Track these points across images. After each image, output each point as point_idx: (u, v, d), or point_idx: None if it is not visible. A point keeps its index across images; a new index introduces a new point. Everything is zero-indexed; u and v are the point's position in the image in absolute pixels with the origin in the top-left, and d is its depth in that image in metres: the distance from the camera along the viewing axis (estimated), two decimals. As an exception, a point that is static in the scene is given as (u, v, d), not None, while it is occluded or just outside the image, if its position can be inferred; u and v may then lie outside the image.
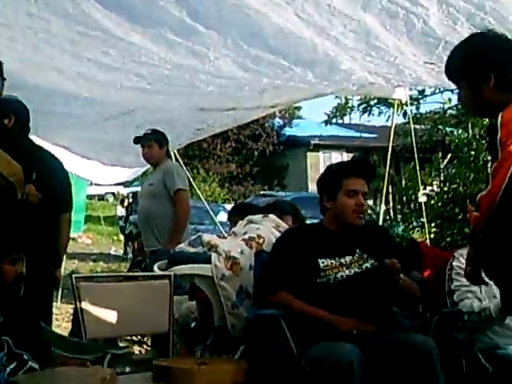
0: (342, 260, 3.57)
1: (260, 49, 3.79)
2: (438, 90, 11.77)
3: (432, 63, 3.69)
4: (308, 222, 5.17)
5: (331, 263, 3.55)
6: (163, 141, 6.10)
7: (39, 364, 3.01)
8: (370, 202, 15.82)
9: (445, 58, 3.61)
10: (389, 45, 3.55)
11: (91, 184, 16.28)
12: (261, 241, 4.08)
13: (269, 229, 4.21)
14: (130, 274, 5.99)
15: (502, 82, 2.55)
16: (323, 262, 3.54)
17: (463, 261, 3.72)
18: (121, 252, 17.17)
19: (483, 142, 7.77)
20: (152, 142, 6.08)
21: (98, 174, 10.34)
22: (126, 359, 4.80)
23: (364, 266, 3.57)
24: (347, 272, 3.54)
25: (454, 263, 3.78)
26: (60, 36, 3.78)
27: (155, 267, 4.39)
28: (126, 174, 10.62)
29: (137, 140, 6.11)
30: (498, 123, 2.45)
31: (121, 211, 20.05)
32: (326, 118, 14.37)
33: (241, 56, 3.90)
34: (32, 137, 4.79)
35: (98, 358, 3.82)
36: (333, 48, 3.65)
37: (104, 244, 19.92)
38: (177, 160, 8.87)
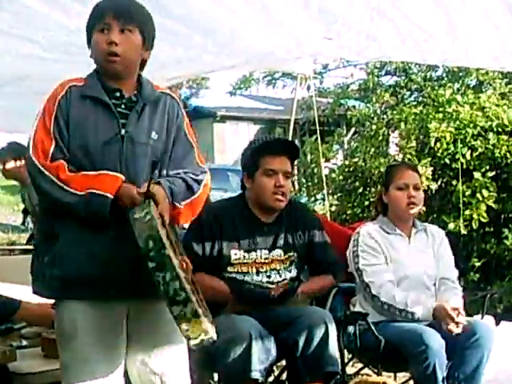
0: (259, 255, 3.50)
1: (161, 16, 3.72)
2: (341, 65, 11.98)
3: (330, 38, 3.71)
4: (213, 192, 5.12)
5: (244, 256, 3.47)
6: (22, 154, 5.85)
7: None
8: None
9: (343, 34, 3.68)
10: (287, 19, 3.54)
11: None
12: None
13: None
14: (24, 247, 5.84)
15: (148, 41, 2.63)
16: (235, 254, 3.45)
17: (370, 238, 3.81)
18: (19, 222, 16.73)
19: (383, 117, 7.93)
20: (7, 157, 5.80)
21: (-3, 141, 9.99)
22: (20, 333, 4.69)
23: (284, 275, 3.51)
24: (263, 278, 3.47)
25: (359, 239, 3.80)
26: None
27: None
28: (25, 141, 10.30)
29: None
30: None
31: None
32: (231, 88, 14.42)
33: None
34: None
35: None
36: (232, 19, 3.62)
37: (3, 214, 19.37)
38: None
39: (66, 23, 3.70)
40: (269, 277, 3.49)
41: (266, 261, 3.50)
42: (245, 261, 3.46)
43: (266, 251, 3.51)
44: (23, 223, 16.08)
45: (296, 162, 11.49)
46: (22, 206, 18.42)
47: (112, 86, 2.58)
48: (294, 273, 3.55)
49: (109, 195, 2.41)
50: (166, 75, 5.22)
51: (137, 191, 2.43)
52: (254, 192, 3.53)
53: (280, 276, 3.50)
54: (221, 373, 3.30)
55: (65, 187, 2.43)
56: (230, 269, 3.44)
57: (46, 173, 2.46)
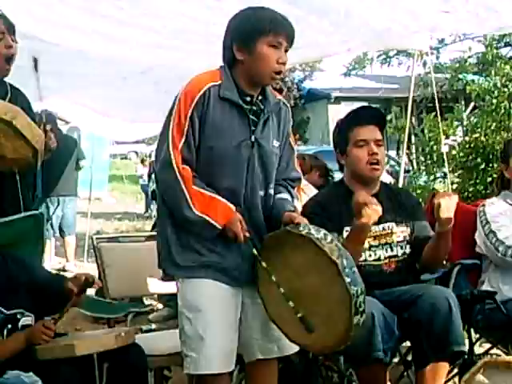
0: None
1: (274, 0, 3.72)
2: (458, 39, 11.63)
3: (447, 11, 3.62)
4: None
5: None
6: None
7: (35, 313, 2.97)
8: (393, 153, 15.73)
9: (459, 8, 3.58)
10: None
11: (114, 143, 16.27)
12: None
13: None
14: (150, 233, 5.99)
15: None
16: (347, 231, 3.31)
17: (495, 206, 3.74)
18: (143, 210, 17.19)
19: (505, 90, 7.65)
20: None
21: (119, 131, 10.35)
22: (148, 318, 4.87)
23: (396, 251, 3.44)
24: (380, 254, 3.42)
25: (486, 209, 3.75)
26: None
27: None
28: (146, 131, 10.59)
29: None
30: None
31: (141, 170, 20.02)
32: (345, 70, 14.30)
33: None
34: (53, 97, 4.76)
35: (123, 316, 3.87)
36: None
37: (128, 203, 20.02)
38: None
39: (184, 11, 3.77)
40: (375, 253, 3.41)
41: (375, 234, 3.40)
42: None
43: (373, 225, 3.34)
44: (146, 211, 16.62)
45: (414, 141, 11.33)
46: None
47: (246, 91, 2.74)
48: (407, 249, 3.47)
49: (218, 226, 2.68)
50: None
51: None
52: (349, 167, 3.46)
53: (392, 251, 3.43)
54: (346, 353, 3.31)
55: (189, 201, 2.64)
56: None
57: (181, 181, 2.64)
